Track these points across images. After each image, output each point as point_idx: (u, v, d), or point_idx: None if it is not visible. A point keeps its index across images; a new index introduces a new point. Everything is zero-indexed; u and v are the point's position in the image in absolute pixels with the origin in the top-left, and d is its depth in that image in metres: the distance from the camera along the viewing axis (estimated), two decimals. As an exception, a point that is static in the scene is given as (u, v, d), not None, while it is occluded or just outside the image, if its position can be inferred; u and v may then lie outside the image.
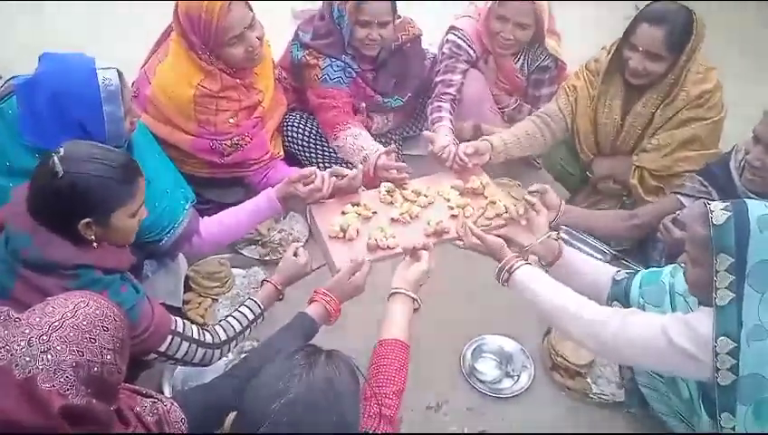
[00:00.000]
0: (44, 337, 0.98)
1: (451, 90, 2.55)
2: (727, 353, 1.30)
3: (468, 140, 2.23)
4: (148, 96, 2.16)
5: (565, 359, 1.93)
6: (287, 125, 2.55)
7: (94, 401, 1.00)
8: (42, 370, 0.96)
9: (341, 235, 1.85)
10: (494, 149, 2.18)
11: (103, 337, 1.03)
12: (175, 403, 1.27)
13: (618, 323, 1.42)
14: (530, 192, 1.84)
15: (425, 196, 2.01)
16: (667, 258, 2.00)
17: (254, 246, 2.38)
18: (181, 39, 2.10)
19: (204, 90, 2.12)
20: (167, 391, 1.84)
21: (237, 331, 1.60)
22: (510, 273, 1.61)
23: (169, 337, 1.48)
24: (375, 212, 1.94)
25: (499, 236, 1.70)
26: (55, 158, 1.31)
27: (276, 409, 0.98)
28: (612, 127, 2.22)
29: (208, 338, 1.55)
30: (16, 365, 0.96)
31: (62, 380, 0.96)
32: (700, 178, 1.97)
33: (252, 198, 2.01)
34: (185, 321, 1.55)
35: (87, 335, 1.01)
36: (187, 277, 2.14)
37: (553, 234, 1.73)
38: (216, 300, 2.16)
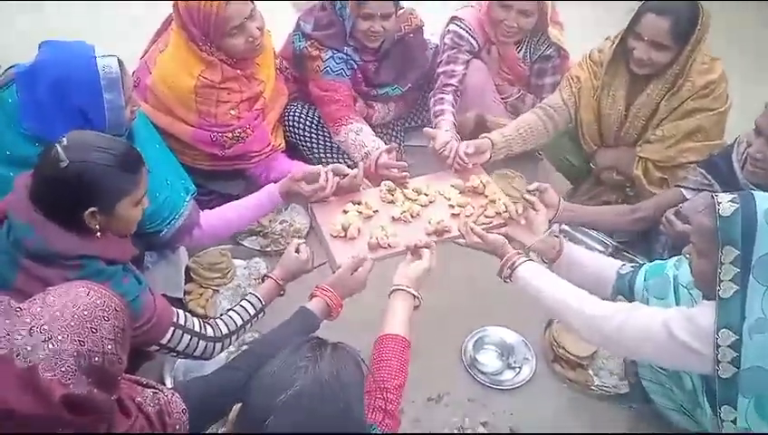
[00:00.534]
0: (46, 326, 0.98)
1: (453, 81, 2.53)
2: (729, 346, 1.30)
3: (471, 132, 2.22)
4: (148, 86, 2.15)
5: (567, 351, 1.94)
6: (288, 115, 2.54)
7: (95, 390, 1.00)
8: (43, 359, 0.96)
9: (343, 233, 1.85)
10: (495, 146, 2.17)
11: (104, 327, 1.03)
12: (176, 394, 1.27)
13: (621, 317, 1.43)
14: (529, 191, 1.85)
15: (425, 195, 2.01)
16: (670, 251, 1.99)
17: (255, 238, 2.38)
18: (181, 30, 2.08)
19: (205, 80, 2.11)
20: (168, 381, 1.84)
21: (239, 325, 1.60)
22: (512, 269, 1.62)
23: (171, 329, 1.47)
24: (376, 211, 1.95)
25: (500, 235, 1.70)
26: (59, 147, 1.30)
27: (283, 401, 0.98)
28: (616, 118, 2.21)
29: (210, 331, 1.55)
30: (18, 355, 0.95)
31: (63, 369, 0.96)
32: (702, 171, 1.96)
33: (253, 189, 2.01)
34: (186, 313, 1.54)
35: (88, 325, 1.01)
36: (187, 268, 2.14)
37: (554, 230, 1.73)
38: (217, 291, 2.16)
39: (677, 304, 1.50)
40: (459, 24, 2.54)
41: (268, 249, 2.34)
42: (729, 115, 2.11)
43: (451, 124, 2.41)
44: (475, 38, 2.54)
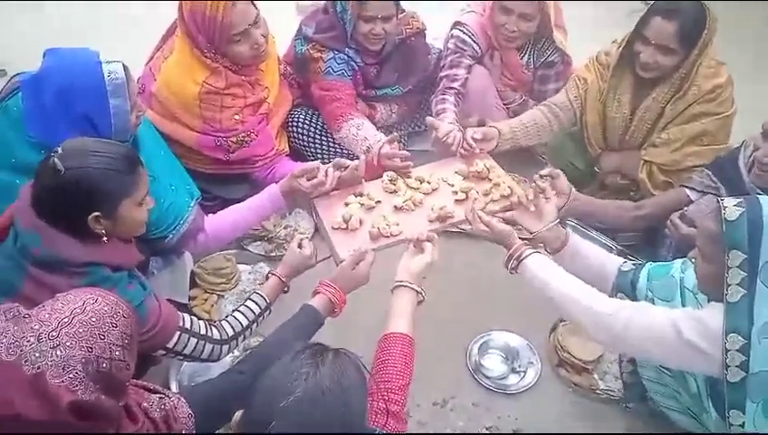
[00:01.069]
0: (54, 333, 0.98)
1: (456, 84, 2.54)
2: (737, 350, 1.29)
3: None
4: (153, 92, 2.16)
5: (571, 355, 1.93)
6: (292, 121, 2.54)
7: (103, 396, 1.00)
8: (51, 365, 0.96)
9: (344, 225, 1.84)
10: (502, 135, 2.18)
11: (112, 333, 1.03)
12: (182, 399, 1.27)
13: (628, 315, 1.42)
14: (541, 175, 1.81)
15: (428, 183, 2.00)
16: (674, 254, 1.98)
17: (259, 243, 2.38)
18: (186, 37, 2.09)
19: (209, 87, 2.12)
20: (173, 386, 1.84)
21: (244, 325, 1.60)
22: (519, 261, 1.59)
23: (177, 334, 1.48)
24: (379, 201, 1.94)
25: (506, 220, 1.68)
26: (55, 157, 1.31)
27: (284, 407, 0.98)
28: (621, 121, 2.21)
29: (216, 334, 1.55)
30: (26, 361, 0.96)
31: (71, 375, 0.96)
32: (709, 172, 1.96)
33: (257, 193, 2.00)
34: (192, 317, 1.55)
35: (96, 331, 1.01)
36: (192, 273, 2.14)
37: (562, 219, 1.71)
38: (222, 296, 2.16)
39: (683, 306, 1.49)
40: (462, 29, 2.55)
41: (273, 254, 2.34)
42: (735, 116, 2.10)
43: (453, 119, 2.42)
44: (477, 43, 2.55)
